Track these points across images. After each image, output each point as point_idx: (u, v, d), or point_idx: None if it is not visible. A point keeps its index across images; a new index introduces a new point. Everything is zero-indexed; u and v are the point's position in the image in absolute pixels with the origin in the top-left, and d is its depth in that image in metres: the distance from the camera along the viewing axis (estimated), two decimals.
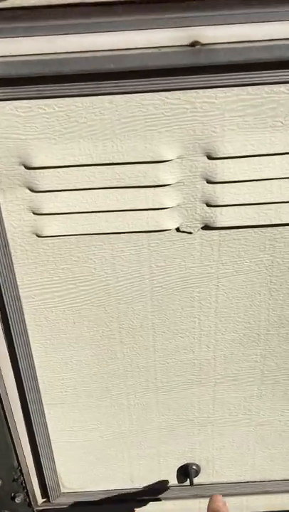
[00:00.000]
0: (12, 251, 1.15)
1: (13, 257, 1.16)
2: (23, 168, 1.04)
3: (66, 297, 1.23)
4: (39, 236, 1.13)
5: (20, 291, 1.21)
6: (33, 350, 1.31)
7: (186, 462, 1.58)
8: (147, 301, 1.25)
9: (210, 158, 1.04)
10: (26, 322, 1.26)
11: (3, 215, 1.10)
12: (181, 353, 1.34)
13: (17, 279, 1.19)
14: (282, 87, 0.97)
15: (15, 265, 1.17)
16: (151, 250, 1.17)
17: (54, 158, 1.04)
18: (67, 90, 0.96)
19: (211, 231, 1.14)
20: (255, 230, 1.15)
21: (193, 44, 0.91)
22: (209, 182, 1.07)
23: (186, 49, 0.92)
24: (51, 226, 1.12)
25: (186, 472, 1.57)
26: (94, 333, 1.29)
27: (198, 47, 0.91)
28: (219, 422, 1.49)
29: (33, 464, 1.52)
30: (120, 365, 1.36)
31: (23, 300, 1.23)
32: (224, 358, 1.35)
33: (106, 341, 1.31)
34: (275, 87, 0.98)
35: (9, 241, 1.13)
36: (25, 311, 1.25)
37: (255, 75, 0.95)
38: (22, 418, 1.42)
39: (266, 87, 0.97)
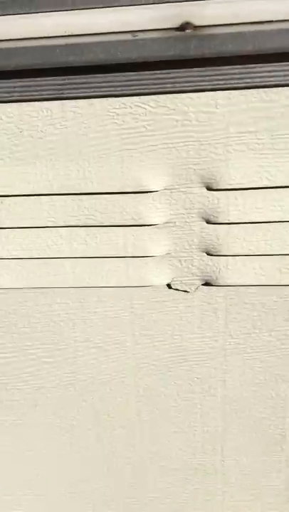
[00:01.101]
0: None
1: None
2: None
3: (25, 371, 0.94)
4: None
5: None
6: None
7: None
8: (130, 382, 0.94)
9: (210, 189, 0.76)
10: None
11: None
12: (178, 454, 1.01)
13: None
14: None
15: None
16: (134, 313, 0.87)
17: (1, 185, 0.78)
18: (16, 93, 0.72)
19: (214, 291, 0.84)
20: (277, 291, 0.84)
21: (183, 27, 0.66)
22: (209, 222, 0.78)
23: (173, 34, 0.66)
24: (1, 275, 0.85)
25: None
26: (60, 420, 0.98)
27: (189, 31, 0.66)
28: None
29: None
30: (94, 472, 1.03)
31: None
32: (236, 465, 1.00)
33: (78, 431, 0.99)
34: None
35: None
36: None
37: (271, 72, 0.68)
38: None
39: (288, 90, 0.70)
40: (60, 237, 0.81)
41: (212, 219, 0.78)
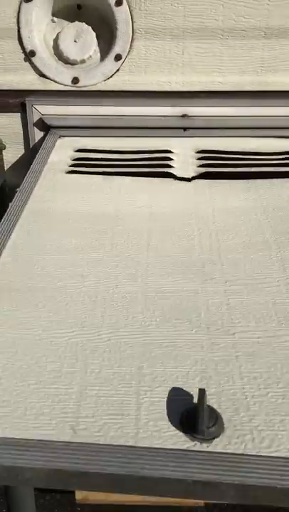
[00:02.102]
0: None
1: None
2: None
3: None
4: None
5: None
6: None
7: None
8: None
9: None
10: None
11: None
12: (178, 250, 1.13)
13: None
14: None
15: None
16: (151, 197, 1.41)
17: None
18: None
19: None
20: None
21: (184, 115, 1.73)
22: None
23: (179, 118, 1.73)
24: None
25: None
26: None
27: (186, 116, 1.73)
28: (244, 336, 0.90)
29: None
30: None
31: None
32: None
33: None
34: None
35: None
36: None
37: None
38: None
39: None
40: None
41: None
